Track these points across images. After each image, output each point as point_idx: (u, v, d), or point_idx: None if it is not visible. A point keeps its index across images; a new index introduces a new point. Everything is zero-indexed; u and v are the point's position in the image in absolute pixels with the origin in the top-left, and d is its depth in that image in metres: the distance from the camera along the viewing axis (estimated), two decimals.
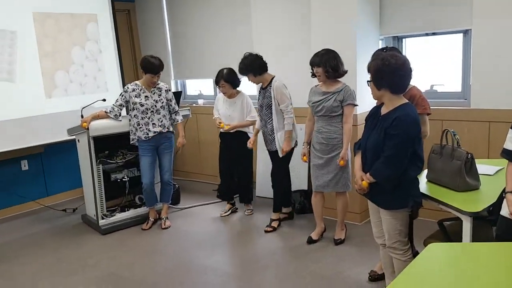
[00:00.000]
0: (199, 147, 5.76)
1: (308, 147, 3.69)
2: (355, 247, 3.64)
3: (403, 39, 4.15)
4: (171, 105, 4.26)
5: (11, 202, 4.97)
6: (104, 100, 4.52)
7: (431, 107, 2.95)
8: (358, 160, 2.62)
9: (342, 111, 3.46)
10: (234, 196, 4.61)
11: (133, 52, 6.23)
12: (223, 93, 4.27)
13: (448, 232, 2.55)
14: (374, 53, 2.96)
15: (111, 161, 4.40)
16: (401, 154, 2.36)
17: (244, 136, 4.30)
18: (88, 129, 4.06)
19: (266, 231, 4.04)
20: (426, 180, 2.73)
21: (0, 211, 4.89)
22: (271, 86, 3.89)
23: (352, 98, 3.45)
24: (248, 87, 4.49)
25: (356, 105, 3.50)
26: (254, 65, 3.88)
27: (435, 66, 4.08)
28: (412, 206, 2.47)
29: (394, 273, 2.64)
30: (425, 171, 2.77)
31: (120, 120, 4.21)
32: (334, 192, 3.66)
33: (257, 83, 4.04)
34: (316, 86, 3.61)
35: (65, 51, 5.01)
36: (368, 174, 2.49)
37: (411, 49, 4.17)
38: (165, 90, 4.21)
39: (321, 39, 3.98)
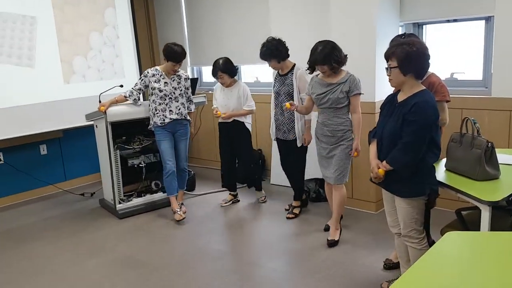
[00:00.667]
0: (214, 134, 5.76)
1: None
2: (371, 235, 3.63)
3: (424, 26, 4.07)
4: (187, 93, 4.27)
5: (30, 186, 5.07)
6: (122, 86, 4.54)
7: (451, 95, 2.91)
8: (373, 148, 2.59)
9: (348, 102, 3.31)
10: (238, 187, 4.61)
11: (149, 38, 6.24)
12: (222, 84, 4.23)
13: (466, 221, 2.53)
14: (393, 39, 2.93)
15: (128, 147, 4.45)
16: (419, 141, 2.33)
17: (241, 125, 4.25)
18: (105, 113, 4.10)
19: (288, 218, 4.04)
20: (444, 168, 2.70)
21: (19, 195, 5.00)
22: (292, 73, 3.81)
23: (358, 87, 3.30)
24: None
25: (362, 94, 3.35)
26: (279, 50, 3.78)
27: (455, 54, 4.00)
28: (429, 194, 2.45)
29: (409, 262, 2.62)
30: (444, 160, 2.74)
31: (139, 105, 4.24)
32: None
33: (278, 69, 3.93)
34: (317, 75, 3.44)
35: (83, 37, 5.05)
36: (384, 162, 2.47)
37: (431, 36, 4.09)
38: (184, 79, 4.22)
39: (341, 25, 3.94)
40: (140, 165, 4.50)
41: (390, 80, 2.44)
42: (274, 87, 3.97)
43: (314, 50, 3.29)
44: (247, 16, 5.25)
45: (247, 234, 3.85)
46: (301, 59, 4.09)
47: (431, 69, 2.59)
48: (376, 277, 3.01)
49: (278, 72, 3.95)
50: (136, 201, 4.44)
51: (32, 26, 4.66)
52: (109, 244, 3.76)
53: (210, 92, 5.72)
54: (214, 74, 4.19)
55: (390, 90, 2.74)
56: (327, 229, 3.69)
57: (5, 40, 4.50)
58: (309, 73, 3.48)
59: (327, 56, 3.21)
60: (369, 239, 3.57)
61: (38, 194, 5.13)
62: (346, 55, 3.31)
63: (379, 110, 2.65)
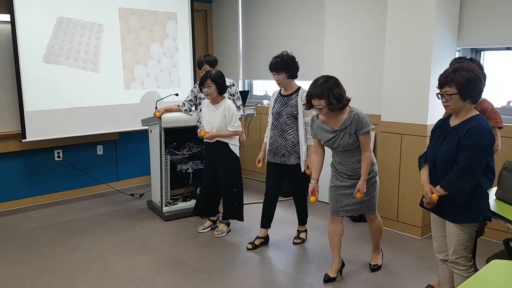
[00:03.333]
0: (260, 146, 5.85)
1: (317, 183, 3.18)
2: (414, 260, 3.57)
3: (481, 52, 4.00)
4: (233, 100, 4.24)
5: (85, 184, 5.37)
6: (177, 94, 4.79)
7: (506, 123, 2.85)
8: (425, 173, 2.57)
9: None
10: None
11: (206, 51, 6.49)
12: (206, 95, 3.85)
13: None
14: (453, 62, 2.90)
15: (178, 152, 4.63)
16: (475, 165, 2.31)
17: (225, 146, 3.92)
18: (160, 118, 4.30)
19: (295, 243, 3.91)
20: (494, 197, 2.63)
21: (74, 191, 5.30)
22: (297, 95, 3.60)
23: (366, 124, 2.98)
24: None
25: (372, 129, 3.05)
26: (294, 66, 3.59)
27: None
28: (482, 221, 2.40)
29: None
30: (494, 188, 2.67)
31: (191, 115, 4.41)
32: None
33: (282, 86, 3.68)
34: (317, 117, 3.15)
35: (145, 47, 5.34)
36: (438, 186, 2.44)
37: (489, 62, 4.01)
38: (228, 85, 4.21)
39: (396, 48, 3.95)
40: (188, 170, 4.65)
41: (446, 107, 2.41)
42: (273, 107, 3.71)
43: (314, 83, 3.01)
44: (301, 35, 5.35)
45: (286, 248, 3.88)
46: (350, 80, 3.96)
47: (485, 96, 2.57)
48: None
49: (279, 93, 3.73)
50: (181, 205, 4.60)
51: (99, 34, 4.99)
52: (153, 243, 3.91)
53: (259, 105, 5.86)
54: (202, 82, 3.84)
55: (442, 113, 2.73)
56: (327, 280, 3.21)
57: (73, 45, 4.84)
58: (305, 109, 3.21)
59: (327, 88, 2.91)
60: (412, 264, 3.51)
61: (92, 192, 5.42)
62: (349, 98, 3.01)
63: (430, 134, 2.64)
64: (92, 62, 4.98)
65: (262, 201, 3.91)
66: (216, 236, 4.06)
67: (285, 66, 3.54)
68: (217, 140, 3.92)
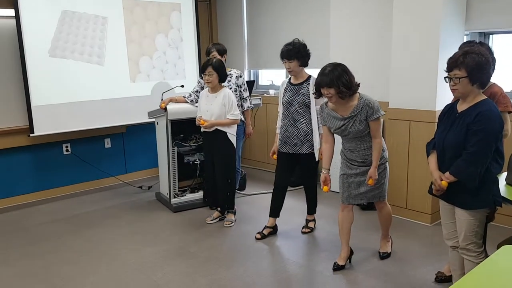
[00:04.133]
0: (266, 136, 5.86)
1: (329, 173, 3.20)
2: (424, 247, 3.55)
3: (490, 35, 3.93)
4: (240, 91, 4.27)
5: (93, 177, 5.40)
6: (183, 86, 4.78)
7: None
8: (433, 160, 2.54)
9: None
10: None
11: (211, 41, 6.45)
12: (207, 83, 3.84)
13: None
14: (462, 46, 2.86)
15: (185, 144, 4.64)
16: (485, 150, 2.28)
17: (223, 135, 3.90)
18: (166, 109, 4.29)
19: (303, 232, 3.89)
20: (505, 182, 2.61)
21: (83, 184, 5.34)
22: (308, 83, 3.57)
23: (377, 110, 2.95)
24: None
25: (383, 114, 3.02)
26: (306, 53, 3.55)
27: None
28: (492, 206, 2.38)
29: (464, 276, 2.55)
30: (504, 173, 2.64)
31: (197, 106, 4.40)
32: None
33: (293, 75, 3.63)
34: (326, 105, 3.13)
35: (150, 38, 5.33)
36: (447, 173, 2.41)
37: (498, 45, 3.94)
38: (236, 77, 4.26)
39: (403, 34, 3.89)
40: (195, 162, 4.66)
41: (454, 90, 2.36)
42: (284, 97, 3.66)
43: (322, 71, 2.97)
44: (306, 23, 5.30)
45: (295, 237, 3.88)
46: (357, 67, 3.98)
47: (495, 79, 2.53)
48: None
49: (289, 81, 3.69)
50: (189, 196, 4.62)
51: (103, 26, 4.98)
52: (163, 234, 3.94)
53: (265, 95, 5.83)
54: (203, 69, 3.82)
55: (450, 99, 2.69)
56: (336, 268, 3.23)
57: (78, 39, 4.84)
58: (315, 98, 3.19)
59: (336, 76, 2.88)
60: (422, 251, 3.49)
61: (100, 185, 5.45)
62: (359, 84, 2.98)
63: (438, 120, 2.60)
64: (97, 55, 4.98)
65: (271, 191, 3.91)
66: (227, 226, 4.07)
67: (297, 53, 3.50)
68: (216, 129, 3.91)
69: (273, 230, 3.92)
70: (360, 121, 2.97)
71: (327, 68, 2.95)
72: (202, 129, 3.99)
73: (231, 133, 3.95)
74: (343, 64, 2.99)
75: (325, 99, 3.12)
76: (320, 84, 2.94)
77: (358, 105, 2.97)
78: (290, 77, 3.71)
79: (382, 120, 3.09)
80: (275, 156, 3.82)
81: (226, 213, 4.22)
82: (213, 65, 3.78)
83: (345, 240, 3.25)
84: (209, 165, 4.12)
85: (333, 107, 3.06)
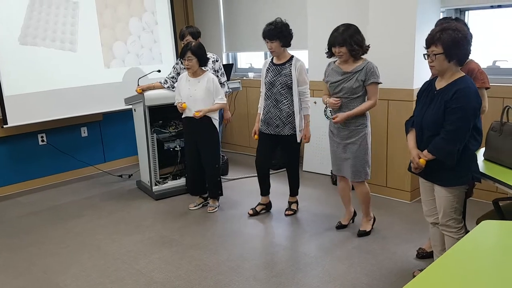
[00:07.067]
0: (247, 120, 5.82)
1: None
2: (404, 225, 3.61)
3: (466, 12, 3.95)
4: (217, 76, 4.19)
5: (71, 167, 5.30)
6: (159, 71, 4.68)
7: (493, 84, 2.84)
8: (412, 137, 2.55)
9: (364, 91, 3.15)
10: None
11: (186, 24, 6.31)
12: (187, 69, 3.75)
13: (504, 211, 2.47)
14: (437, 22, 2.85)
15: (164, 131, 4.57)
16: (463, 128, 2.29)
17: (207, 120, 3.83)
18: (142, 93, 4.21)
19: (286, 215, 3.89)
20: (483, 158, 2.64)
21: (61, 175, 5.23)
22: (290, 64, 3.55)
23: (376, 76, 3.11)
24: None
25: (380, 83, 3.16)
26: (288, 33, 3.51)
27: (498, 41, 3.86)
28: (470, 182, 2.41)
29: (444, 251, 2.60)
30: (482, 149, 2.68)
31: (174, 91, 4.33)
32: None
33: (275, 55, 3.60)
34: (334, 62, 3.26)
35: (123, 22, 5.18)
36: (425, 151, 2.43)
37: (474, 22, 3.96)
38: (212, 61, 4.19)
39: (379, 12, 3.88)
40: (176, 148, 4.60)
41: (431, 67, 2.37)
42: (266, 77, 3.63)
43: (335, 31, 3.12)
44: (283, 3, 5.23)
45: (279, 219, 3.90)
46: None
47: (471, 56, 2.53)
48: (408, 265, 3.00)
49: (271, 61, 3.65)
50: (171, 184, 4.57)
51: (74, 11, 4.82)
52: (145, 223, 3.90)
53: (244, 78, 5.77)
54: (182, 55, 3.73)
55: (428, 76, 2.70)
56: (338, 227, 3.56)
57: (49, 25, 4.68)
58: (327, 57, 3.25)
59: (348, 36, 3.04)
60: (402, 228, 3.55)
61: (79, 175, 5.35)
62: (369, 45, 3.14)
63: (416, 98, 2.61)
64: (69, 42, 4.83)
65: (254, 175, 3.92)
66: (210, 212, 4.06)
67: (279, 33, 3.47)
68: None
69: (266, 207, 3.99)
70: (357, 79, 3.11)
71: (340, 28, 3.10)
72: (183, 115, 3.91)
73: (215, 118, 3.89)
74: (355, 25, 3.13)
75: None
76: (333, 43, 3.09)
77: (361, 65, 3.13)
78: (273, 57, 3.67)
79: (378, 89, 3.19)
80: (256, 136, 3.81)
81: (208, 198, 4.20)
82: (192, 50, 3.68)
83: (347, 205, 3.55)
84: (191, 152, 4.02)
85: (340, 63, 3.20)
